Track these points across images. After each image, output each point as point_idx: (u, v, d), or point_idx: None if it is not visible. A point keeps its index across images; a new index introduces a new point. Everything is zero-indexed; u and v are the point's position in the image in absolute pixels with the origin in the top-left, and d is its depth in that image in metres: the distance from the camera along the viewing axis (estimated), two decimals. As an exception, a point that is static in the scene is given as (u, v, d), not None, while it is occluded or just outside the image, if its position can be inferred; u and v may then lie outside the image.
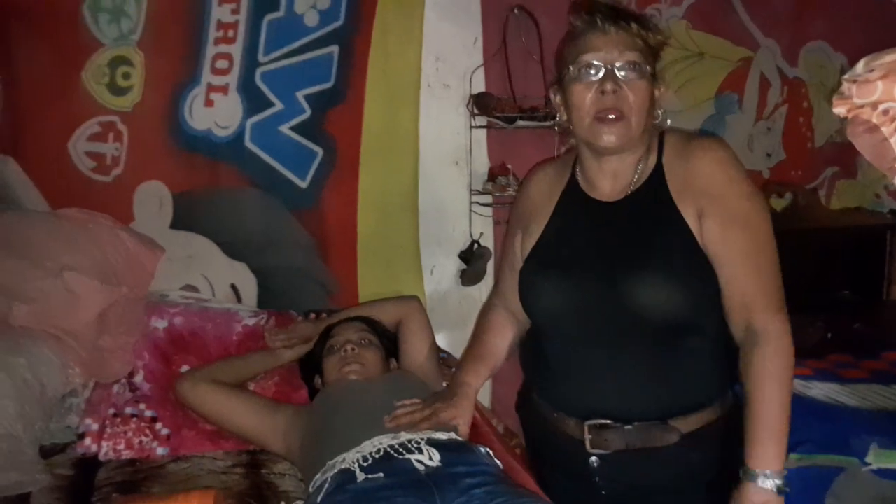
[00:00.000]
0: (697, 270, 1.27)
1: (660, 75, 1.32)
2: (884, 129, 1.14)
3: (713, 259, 1.27)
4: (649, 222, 1.31)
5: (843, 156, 3.13)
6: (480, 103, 2.43)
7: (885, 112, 1.14)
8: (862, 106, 1.15)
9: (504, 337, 1.57)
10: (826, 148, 3.13)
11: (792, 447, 1.85)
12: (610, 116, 1.26)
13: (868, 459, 1.88)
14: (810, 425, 1.99)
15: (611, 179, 1.36)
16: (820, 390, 2.34)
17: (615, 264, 1.30)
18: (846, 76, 1.16)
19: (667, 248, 1.28)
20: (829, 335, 2.70)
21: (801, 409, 2.04)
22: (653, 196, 1.31)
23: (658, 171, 1.32)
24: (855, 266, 3.20)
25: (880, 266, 3.10)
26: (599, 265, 1.32)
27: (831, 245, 3.09)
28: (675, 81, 2.77)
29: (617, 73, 1.25)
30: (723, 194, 1.26)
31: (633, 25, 1.26)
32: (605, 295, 1.30)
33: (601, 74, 1.26)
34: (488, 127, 2.49)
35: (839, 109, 1.18)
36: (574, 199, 1.41)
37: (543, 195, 1.46)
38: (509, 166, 2.47)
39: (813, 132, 3.10)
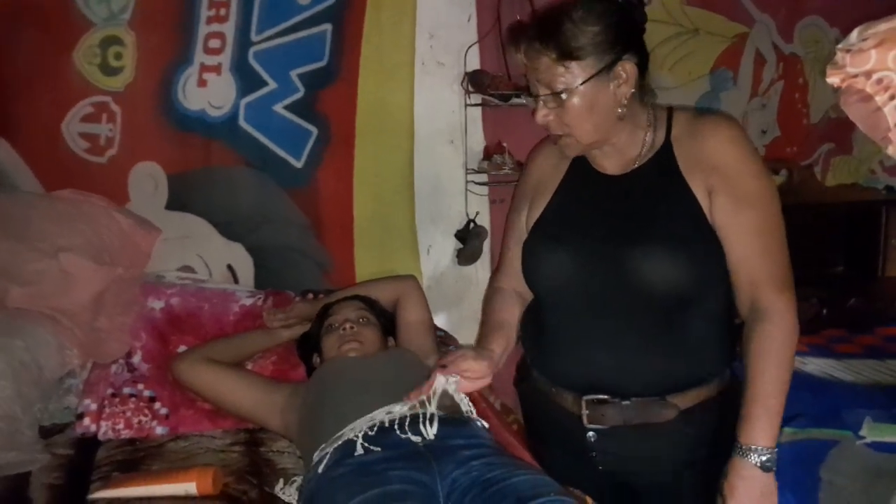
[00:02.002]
0: (702, 244, 1.27)
1: (624, 60, 1.24)
2: (877, 98, 1.13)
3: (722, 236, 1.27)
4: (656, 195, 1.30)
5: (839, 132, 3.13)
6: (475, 81, 2.41)
7: (879, 81, 1.12)
8: (855, 75, 1.14)
9: (513, 314, 1.50)
10: (821, 124, 3.13)
11: (787, 421, 1.86)
12: (557, 134, 1.31)
13: (862, 433, 1.90)
14: (805, 400, 2.01)
15: (617, 155, 1.36)
16: (815, 365, 2.36)
17: (618, 236, 1.30)
18: (840, 45, 1.15)
19: (672, 220, 1.28)
20: (824, 311, 2.72)
21: (797, 383, 2.03)
22: (660, 170, 1.31)
23: (666, 146, 1.32)
24: (850, 242, 3.22)
25: (875, 242, 3.12)
26: (603, 236, 1.32)
27: (826, 221, 3.10)
28: (669, 58, 2.76)
29: (544, 104, 1.28)
30: (735, 172, 1.26)
31: (553, 52, 1.22)
32: (608, 266, 1.30)
33: (534, 106, 1.30)
34: (483, 105, 2.48)
35: (833, 79, 1.17)
36: (581, 171, 1.41)
37: (550, 168, 1.45)
38: (505, 145, 2.46)
39: (808, 108, 3.10)
